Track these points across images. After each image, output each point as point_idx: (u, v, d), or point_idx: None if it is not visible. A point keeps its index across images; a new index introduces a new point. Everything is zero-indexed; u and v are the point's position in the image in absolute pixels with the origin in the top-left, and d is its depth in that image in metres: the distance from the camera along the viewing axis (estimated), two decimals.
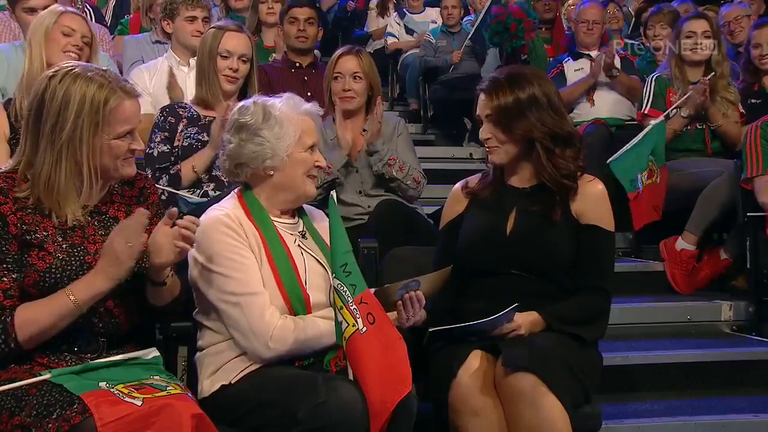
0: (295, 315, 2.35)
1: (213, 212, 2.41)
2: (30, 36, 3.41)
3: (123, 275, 2.13)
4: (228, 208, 2.43)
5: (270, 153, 2.40)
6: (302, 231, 2.52)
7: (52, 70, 2.21)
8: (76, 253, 2.19)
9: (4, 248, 2.13)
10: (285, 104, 2.46)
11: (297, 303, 2.36)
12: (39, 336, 2.12)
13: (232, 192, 2.52)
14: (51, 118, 2.14)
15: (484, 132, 2.66)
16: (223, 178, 3.17)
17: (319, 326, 2.33)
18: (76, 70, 2.18)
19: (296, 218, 2.54)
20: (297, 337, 2.30)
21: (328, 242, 2.46)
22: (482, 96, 2.67)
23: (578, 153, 2.64)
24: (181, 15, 4.32)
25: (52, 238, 2.17)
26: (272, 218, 2.46)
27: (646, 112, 4.74)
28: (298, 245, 2.47)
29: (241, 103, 2.52)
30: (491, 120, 2.63)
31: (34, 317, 2.11)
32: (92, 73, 2.18)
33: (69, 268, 2.17)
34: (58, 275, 2.16)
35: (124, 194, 2.34)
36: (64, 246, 2.18)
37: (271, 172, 2.43)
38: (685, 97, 4.55)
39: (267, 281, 2.35)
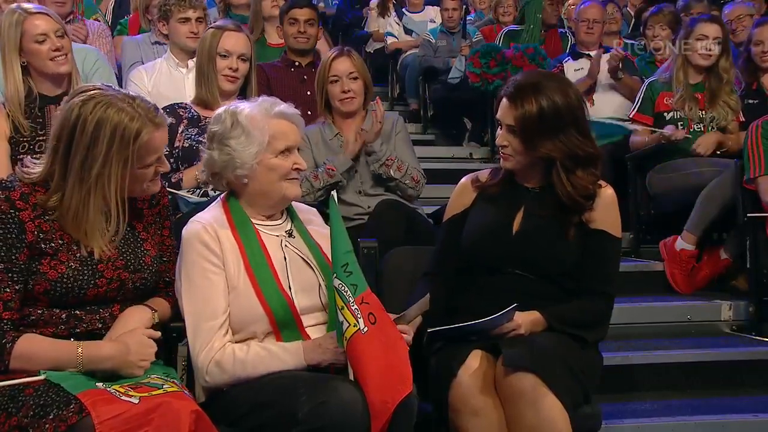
0: (279, 324, 2.33)
1: (193, 224, 2.37)
2: (2, 53, 3.31)
3: (127, 373, 2.16)
4: (208, 219, 2.39)
5: (238, 162, 2.35)
6: (289, 230, 2.48)
7: (82, 96, 2.15)
8: (89, 262, 2.19)
9: (13, 257, 2.12)
10: (255, 109, 2.38)
11: (281, 310, 2.33)
12: (28, 369, 2.11)
13: (218, 198, 2.50)
14: (81, 151, 2.12)
15: (502, 139, 2.60)
16: None
17: (264, 363, 2.28)
18: (107, 98, 2.14)
19: (284, 216, 2.50)
20: (235, 374, 2.28)
21: (318, 242, 2.47)
22: (505, 101, 2.59)
23: (597, 177, 2.59)
24: (174, 16, 4.28)
25: (66, 247, 2.17)
26: (255, 222, 2.42)
27: (631, 115, 4.75)
28: (284, 246, 2.43)
29: (217, 111, 2.45)
30: (511, 130, 2.57)
31: (34, 355, 2.11)
32: (124, 103, 2.14)
33: (81, 278, 2.18)
34: (69, 285, 2.16)
35: (138, 199, 2.33)
36: (78, 255, 2.18)
37: (245, 181, 2.38)
38: (665, 136, 4.53)
39: (245, 293, 2.33)
